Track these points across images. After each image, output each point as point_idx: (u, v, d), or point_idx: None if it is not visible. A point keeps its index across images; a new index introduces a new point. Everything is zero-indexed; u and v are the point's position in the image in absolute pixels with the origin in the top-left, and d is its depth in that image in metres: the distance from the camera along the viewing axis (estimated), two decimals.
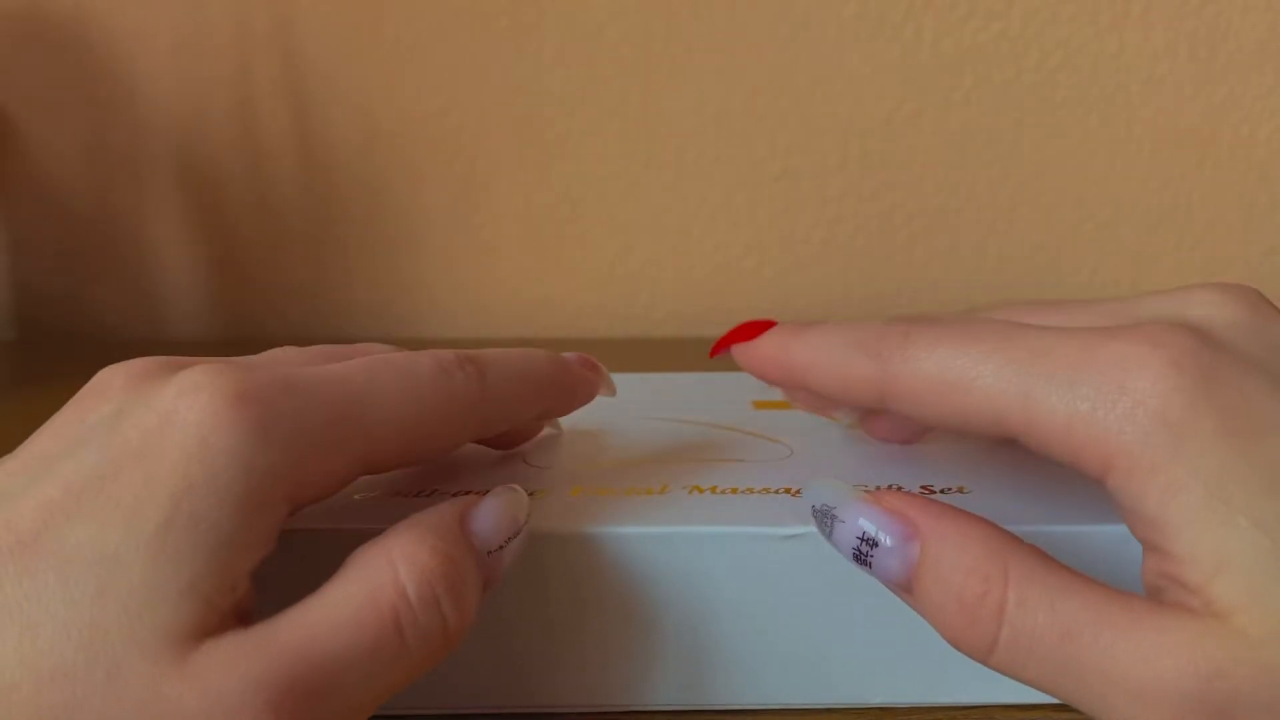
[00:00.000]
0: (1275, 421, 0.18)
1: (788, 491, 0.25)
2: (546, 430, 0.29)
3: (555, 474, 0.26)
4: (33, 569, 0.17)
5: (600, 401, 0.32)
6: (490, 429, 0.23)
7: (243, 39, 0.56)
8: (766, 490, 0.25)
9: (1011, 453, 0.27)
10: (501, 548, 0.21)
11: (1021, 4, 0.55)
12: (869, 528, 0.20)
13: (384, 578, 0.19)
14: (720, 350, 0.26)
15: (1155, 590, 0.18)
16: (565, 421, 0.30)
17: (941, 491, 0.25)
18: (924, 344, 0.20)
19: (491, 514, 0.21)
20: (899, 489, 0.25)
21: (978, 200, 0.57)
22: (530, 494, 0.25)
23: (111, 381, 0.20)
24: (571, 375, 0.25)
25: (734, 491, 0.25)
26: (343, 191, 0.58)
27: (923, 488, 0.25)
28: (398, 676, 0.19)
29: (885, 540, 0.19)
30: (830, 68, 0.56)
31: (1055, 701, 0.24)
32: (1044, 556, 0.19)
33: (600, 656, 0.23)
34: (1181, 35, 0.55)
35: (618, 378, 0.30)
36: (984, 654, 0.19)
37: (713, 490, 0.25)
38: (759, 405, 0.32)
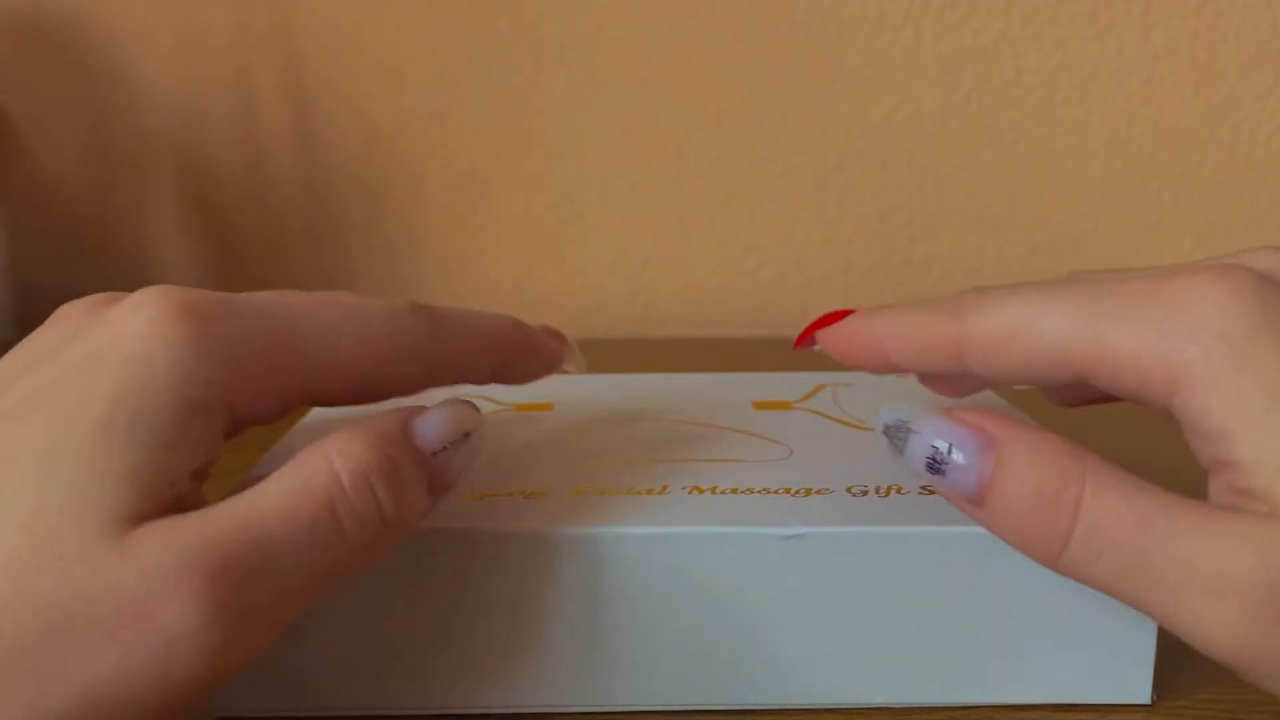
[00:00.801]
0: None
1: (788, 491, 0.25)
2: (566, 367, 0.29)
3: (555, 474, 0.26)
4: None
5: (601, 401, 0.32)
6: (442, 377, 0.23)
7: (243, 39, 0.56)
8: (766, 490, 0.25)
9: None
10: (446, 449, 0.21)
11: (1021, 4, 0.55)
12: (946, 436, 0.20)
13: (320, 467, 0.19)
14: (805, 342, 0.27)
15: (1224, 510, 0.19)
16: (566, 422, 0.30)
17: None
18: (997, 299, 0.22)
19: (433, 419, 0.22)
20: (898, 489, 0.25)
21: (978, 200, 0.57)
22: (532, 494, 0.25)
23: (71, 310, 0.21)
24: (531, 338, 0.26)
25: (734, 491, 0.25)
26: (343, 191, 0.58)
27: (922, 488, 0.25)
28: (334, 561, 0.19)
29: (963, 448, 0.20)
30: (830, 68, 0.56)
31: (1055, 701, 0.24)
32: (1115, 463, 0.19)
33: (600, 656, 0.23)
34: (1181, 35, 0.55)
35: (617, 377, 0.30)
36: (1057, 550, 0.19)
37: (713, 490, 0.25)
38: (759, 405, 0.32)
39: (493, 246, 0.58)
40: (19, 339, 0.22)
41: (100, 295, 0.22)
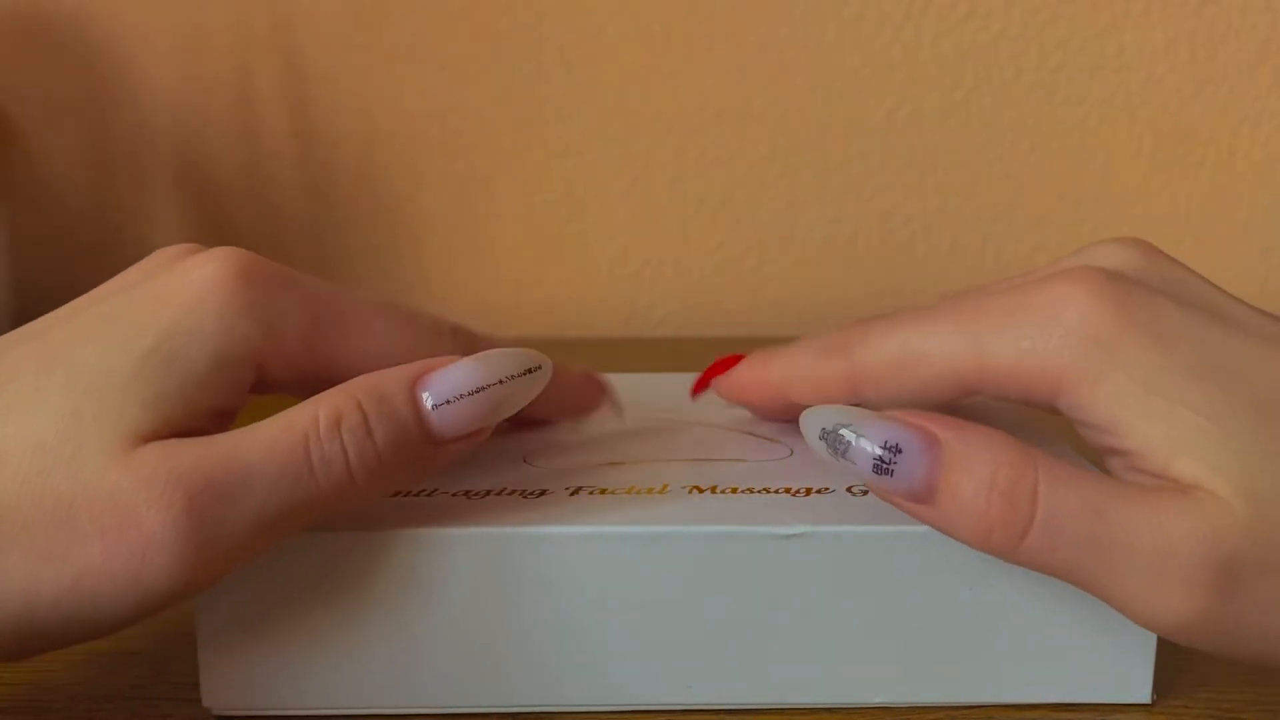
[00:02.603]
0: (1183, 330, 0.21)
1: (788, 491, 0.25)
2: (607, 409, 0.29)
3: (555, 474, 0.26)
4: (49, 368, 0.21)
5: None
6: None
7: (243, 39, 0.56)
8: (766, 490, 0.25)
9: None
10: (448, 403, 0.22)
11: (1021, 4, 0.55)
12: (891, 437, 0.21)
13: (306, 412, 0.21)
14: (701, 389, 0.29)
15: None
16: (567, 422, 0.30)
17: None
18: (881, 332, 0.23)
19: (444, 373, 0.22)
20: None
21: (978, 200, 0.57)
22: (534, 493, 0.25)
23: (160, 255, 0.24)
24: (566, 381, 0.27)
25: (734, 491, 0.25)
26: (343, 192, 0.58)
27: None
28: (304, 499, 0.21)
29: (909, 447, 0.21)
30: (830, 68, 0.56)
31: (1055, 701, 0.24)
32: (1058, 456, 0.20)
33: (600, 656, 0.23)
34: (1181, 35, 0.55)
35: (618, 377, 0.30)
36: (1016, 541, 0.20)
37: (713, 490, 0.25)
38: None
39: (493, 246, 0.58)
40: None
41: (186, 245, 0.24)
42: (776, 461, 0.27)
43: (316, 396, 0.22)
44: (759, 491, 0.25)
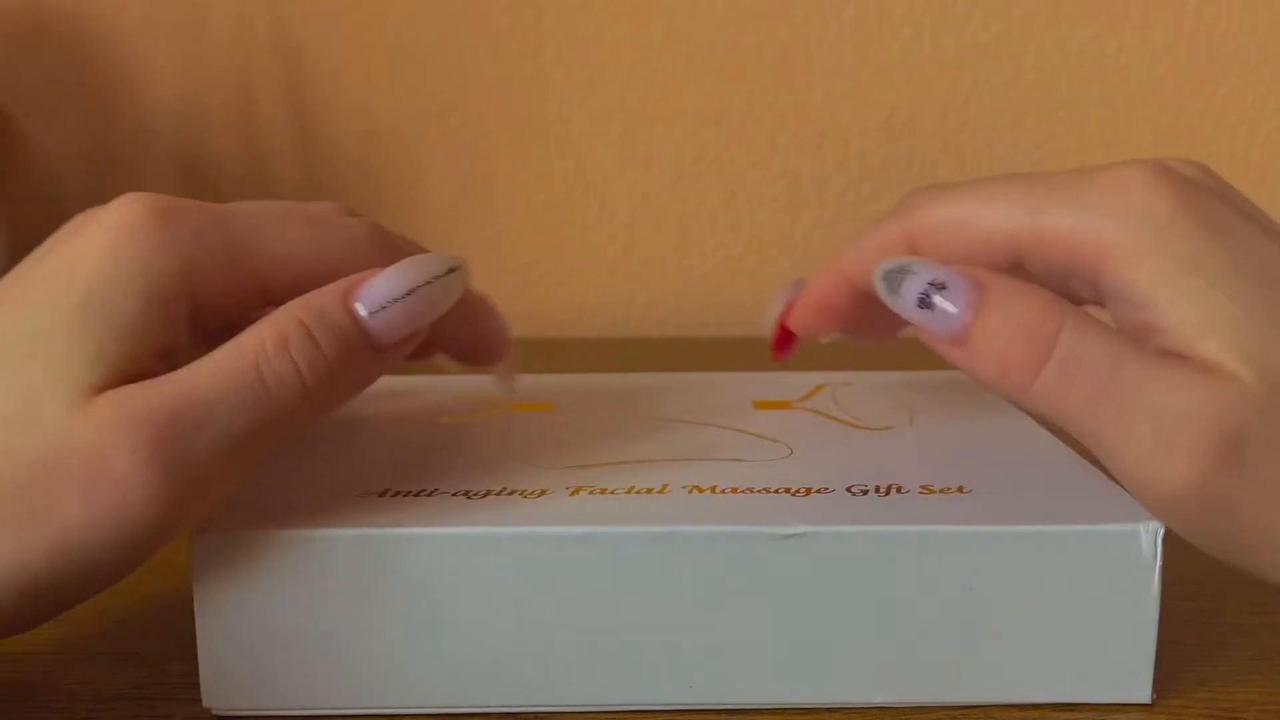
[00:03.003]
0: (1234, 226, 0.22)
1: (788, 491, 0.25)
2: (498, 380, 0.29)
3: (555, 474, 0.26)
4: None
5: (601, 401, 0.32)
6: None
7: (243, 39, 0.56)
8: (766, 490, 0.25)
9: (1011, 452, 0.27)
10: (385, 308, 0.23)
11: (1021, 4, 0.55)
12: (940, 276, 0.22)
13: (251, 337, 0.22)
14: (783, 345, 0.29)
15: None
16: (566, 422, 0.30)
17: (941, 491, 0.25)
18: (941, 193, 0.24)
19: (375, 281, 0.23)
20: (898, 488, 0.25)
21: None
22: (531, 494, 0.25)
23: (69, 223, 0.24)
24: (483, 304, 0.28)
25: (734, 491, 0.25)
26: (343, 191, 0.58)
27: (922, 488, 0.25)
28: (265, 418, 0.21)
29: (955, 287, 0.22)
30: (830, 68, 0.56)
31: (1055, 701, 0.24)
32: (1089, 314, 0.21)
33: (600, 656, 0.23)
34: (1181, 35, 0.55)
35: (617, 377, 0.30)
36: (1031, 377, 0.21)
37: (713, 490, 0.25)
38: (759, 405, 0.32)
39: (493, 246, 0.58)
40: None
41: (92, 208, 0.24)
42: (776, 461, 0.27)
43: (256, 323, 0.22)
44: (759, 491, 0.25)
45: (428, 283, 0.23)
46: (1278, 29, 0.55)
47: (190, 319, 0.23)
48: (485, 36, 0.56)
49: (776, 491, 0.25)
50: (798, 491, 0.25)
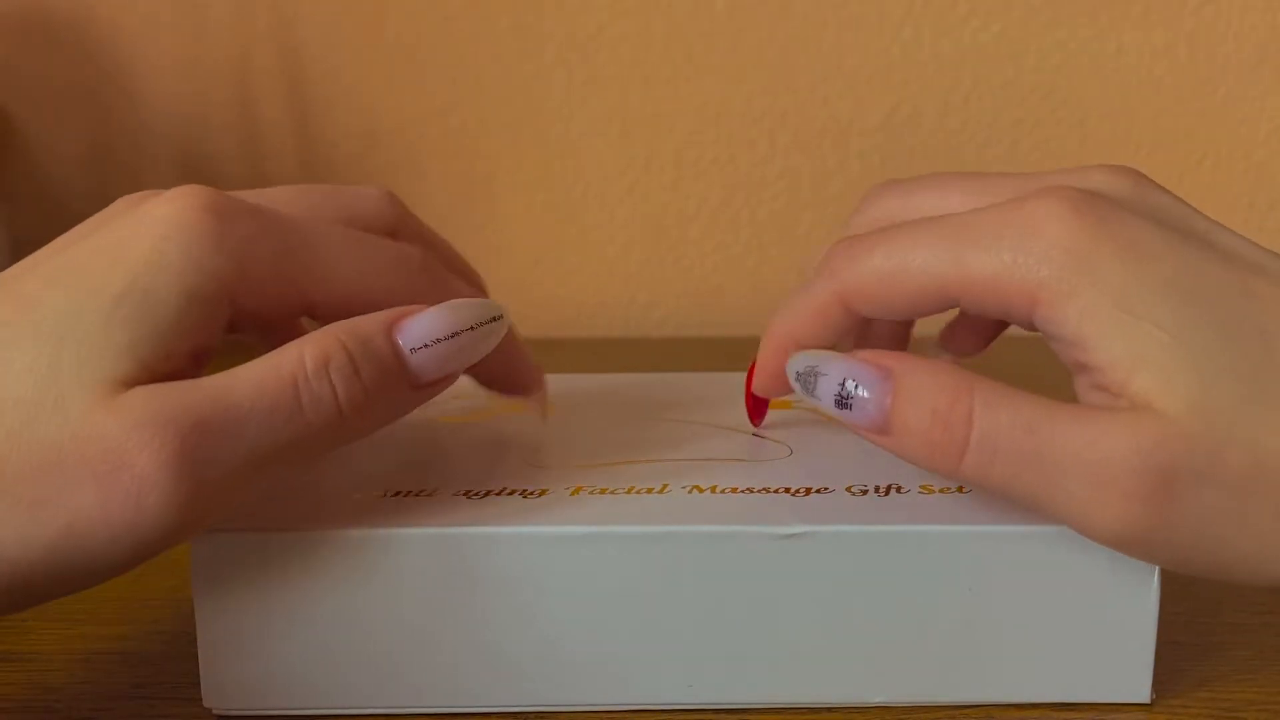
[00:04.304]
0: (1159, 251, 0.21)
1: (788, 491, 0.25)
2: (530, 410, 0.30)
3: (555, 474, 0.26)
4: (18, 320, 0.21)
5: (601, 401, 0.32)
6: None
7: (243, 39, 0.56)
8: (766, 490, 0.25)
9: None
10: (426, 347, 0.23)
11: (1021, 4, 0.55)
12: (849, 373, 0.22)
13: (293, 353, 0.21)
14: (757, 412, 0.29)
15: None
16: (567, 422, 0.30)
17: (941, 491, 0.25)
18: (866, 248, 0.24)
19: (420, 318, 0.23)
20: (898, 488, 0.25)
21: None
22: (532, 494, 0.25)
23: (122, 201, 0.24)
24: (519, 346, 0.27)
25: (734, 491, 0.25)
26: None
27: (922, 488, 0.25)
28: (294, 437, 0.21)
29: (864, 382, 0.22)
30: (830, 68, 0.56)
31: (1055, 701, 0.24)
32: (999, 381, 0.21)
33: (600, 656, 0.23)
34: (1181, 35, 0.55)
35: (617, 377, 0.30)
36: (956, 459, 0.21)
37: (713, 490, 0.25)
38: None
39: (493, 246, 0.58)
40: None
41: (146, 191, 0.24)
42: (776, 461, 0.27)
43: (296, 340, 0.22)
44: (759, 491, 0.25)
45: (471, 328, 0.23)
46: (1278, 29, 0.55)
47: (228, 322, 0.23)
48: (485, 36, 0.56)
49: (776, 491, 0.25)
50: (798, 491, 0.25)
